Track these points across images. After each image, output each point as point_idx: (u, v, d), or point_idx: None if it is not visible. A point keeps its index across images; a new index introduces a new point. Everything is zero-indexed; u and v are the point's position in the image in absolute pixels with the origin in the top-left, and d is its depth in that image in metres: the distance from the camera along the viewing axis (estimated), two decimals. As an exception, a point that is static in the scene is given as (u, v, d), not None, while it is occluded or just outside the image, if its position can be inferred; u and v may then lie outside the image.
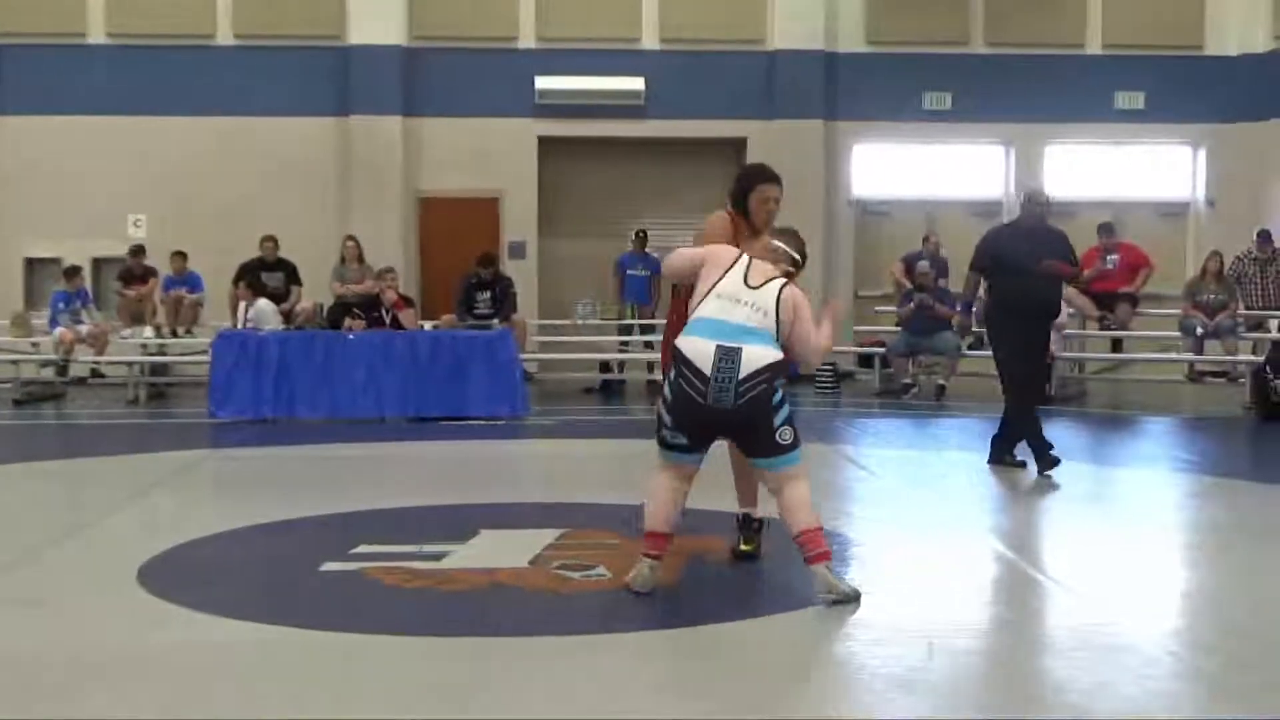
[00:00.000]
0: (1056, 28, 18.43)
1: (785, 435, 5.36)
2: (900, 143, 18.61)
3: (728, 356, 5.20)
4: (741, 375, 5.18)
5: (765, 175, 6.11)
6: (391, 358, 12.71)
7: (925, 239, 16.45)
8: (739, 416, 5.26)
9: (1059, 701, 4.19)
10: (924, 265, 15.35)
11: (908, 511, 7.85)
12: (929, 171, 18.71)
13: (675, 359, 5.33)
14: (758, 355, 5.23)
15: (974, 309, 10.54)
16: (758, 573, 6.06)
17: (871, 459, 10.11)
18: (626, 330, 16.72)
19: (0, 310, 16.75)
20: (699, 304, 5.42)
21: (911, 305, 15.09)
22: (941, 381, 14.79)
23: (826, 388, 15.83)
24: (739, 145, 18.28)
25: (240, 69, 17.56)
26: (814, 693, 4.31)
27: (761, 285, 5.40)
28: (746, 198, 6.00)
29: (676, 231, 18.25)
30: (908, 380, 15.21)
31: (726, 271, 5.44)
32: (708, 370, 5.20)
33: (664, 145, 18.21)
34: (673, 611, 5.37)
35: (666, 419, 5.42)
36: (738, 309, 5.33)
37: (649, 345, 16.65)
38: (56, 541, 6.52)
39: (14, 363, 15.07)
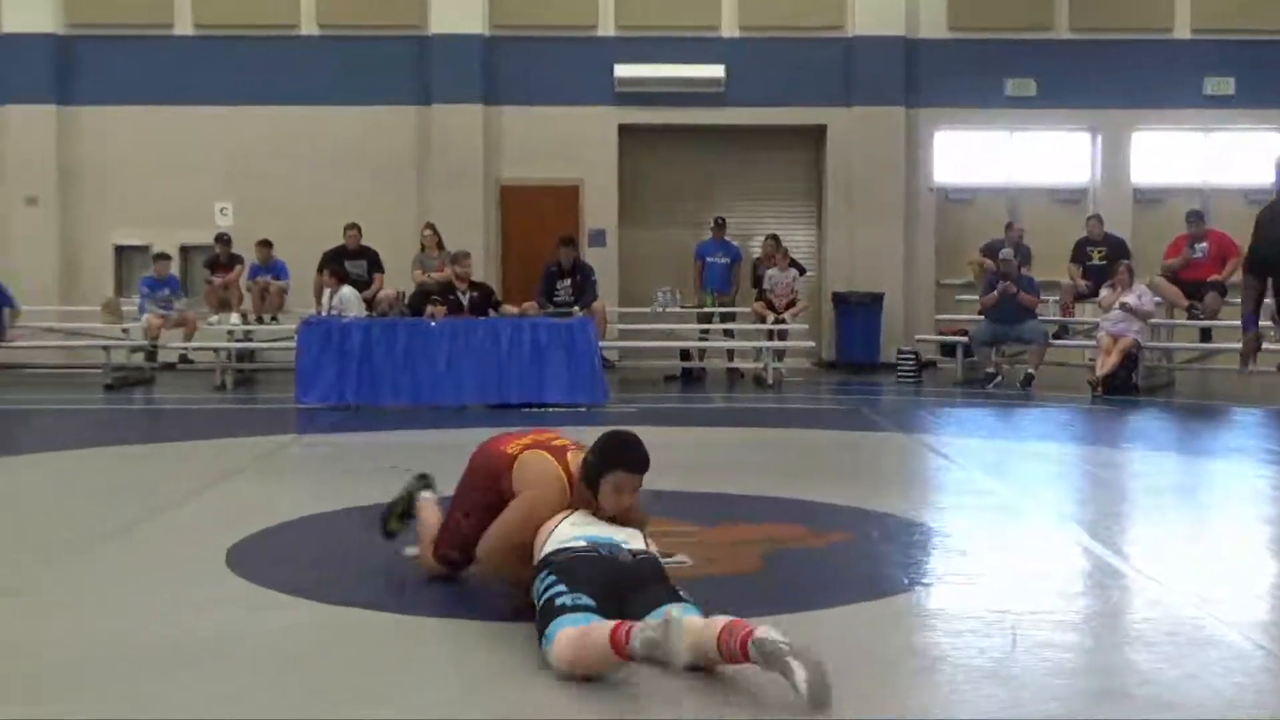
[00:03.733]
0: (1143, 12, 18.17)
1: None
2: (983, 129, 18.45)
3: (605, 543, 4.70)
4: (629, 546, 4.71)
5: (628, 462, 5.12)
6: (472, 345, 12.81)
7: (1008, 226, 16.28)
8: (642, 569, 4.60)
9: (1144, 694, 4.13)
10: (1007, 253, 15.18)
11: (990, 501, 7.77)
12: (1012, 158, 18.53)
13: (550, 560, 4.59)
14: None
15: (1256, 319, 10.49)
16: (837, 561, 6.03)
17: (953, 448, 10.03)
18: (706, 318, 16.71)
19: (91, 297, 17.10)
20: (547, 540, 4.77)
21: (995, 293, 14.93)
22: (1030, 370, 14.61)
23: (908, 377, 15.73)
24: (819, 132, 18.21)
25: (323, 59, 17.76)
26: (894, 684, 4.28)
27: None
28: (599, 479, 5.02)
29: (755, 219, 18.25)
30: (990, 369, 15.06)
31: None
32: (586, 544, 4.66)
33: (743, 133, 18.18)
34: (751, 599, 5.35)
35: (559, 587, 4.38)
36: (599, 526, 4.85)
37: (729, 333, 16.63)
38: (144, 523, 6.64)
39: (105, 348, 15.35)
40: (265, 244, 16.18)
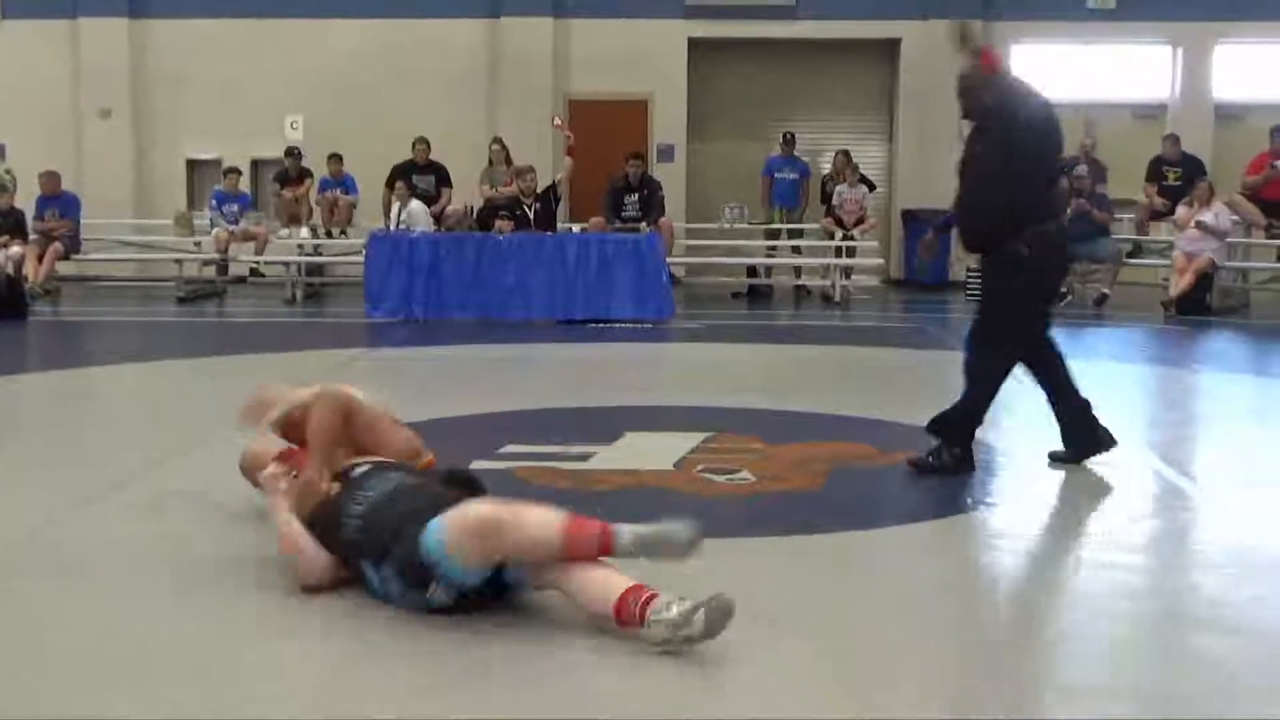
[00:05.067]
0: (1229, -80, 17.63)
1: None
2: (1061, 42, 18.03)
3: None
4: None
5: None
6: (540, 260, 12.81)
7: (1082, 143, 15.98)
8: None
9: (1214, 616, 4.10)
10: (1081, 169, 14.91)
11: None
12: (1089, 73, 18.12)
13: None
14: None
15: None
16: (901, 480, 6.01)
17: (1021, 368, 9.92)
18: (774, 235, 16.59)
19: (164, 210, 17.25)
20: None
21: (1068, 211, 14.68)
22: (1105, 290, 14.39)
23: (977, 296, 15.55)
24: (892, 46, 17.92)
25: (391, -30, 17.65)
26: (952, 603, 4.27)
27: None
28: None
29: (825, 134, 18.04)
30: (1062, 289, 14.83)
31: None
32: None
33: (814, 47, 17.92)
34: (811, 515, 5.35)
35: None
36: None
37: (796, 250, 16.51)
38: (213, 436, 6.74)
39: (177, 261, 15.52)
40: (335, 158, 16.22)
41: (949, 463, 5.95)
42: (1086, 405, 6.13)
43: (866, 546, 4.97)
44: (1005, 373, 6.09)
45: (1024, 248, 5.84)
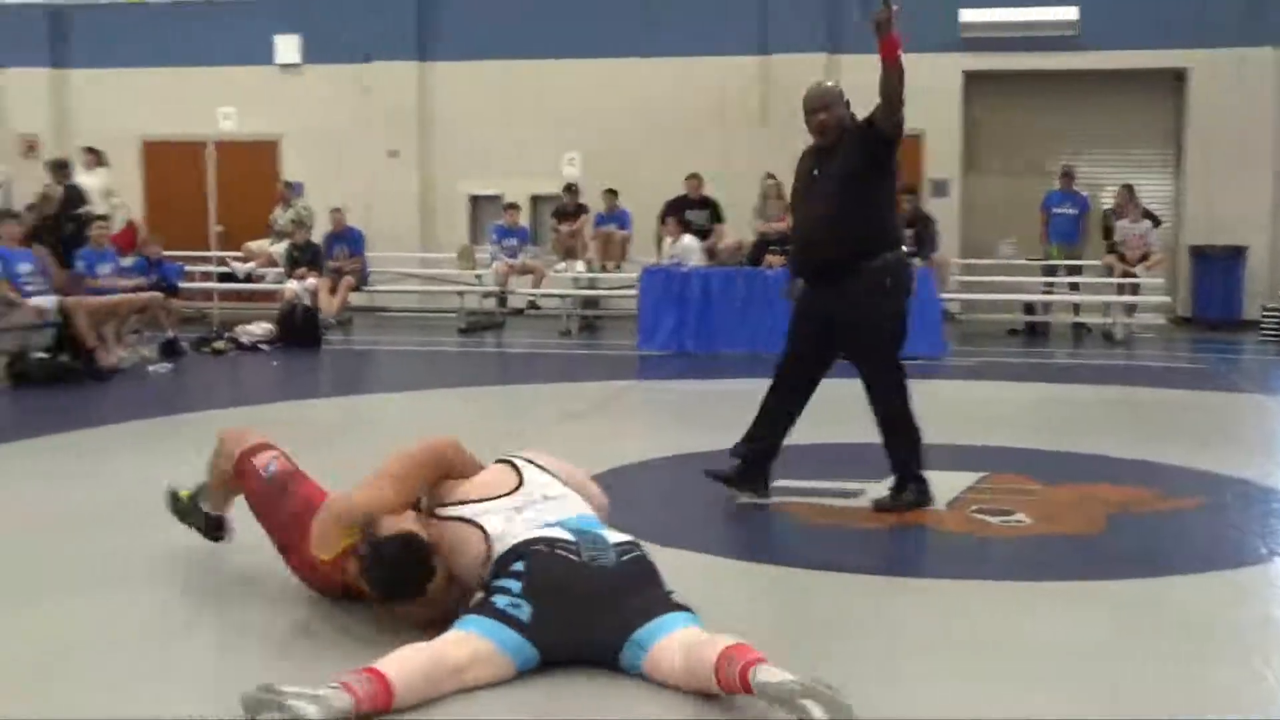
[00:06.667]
0: None
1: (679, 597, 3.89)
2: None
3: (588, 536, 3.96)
4: (613, 540, 3.98)
5: None
6: (810, 295, 12.76)
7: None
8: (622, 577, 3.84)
9: None
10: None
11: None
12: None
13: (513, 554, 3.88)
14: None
15: None
16: (1186, 527, 5.76)
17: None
18: (1051, 271, 16.16)
19: (447, 244, 17.93)
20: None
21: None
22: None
23: (1273, 335, 14.79)
24: (1178, 76, 17.26)
25: (664, 9, 17.93)
26: (1256, 653, 4.06)
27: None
28: None
29: (1106, 168, 17.50)
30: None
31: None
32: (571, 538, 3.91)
33: (1097, 78, 17.39)
34: (1093, 562, 5.18)
35: (512, 586, 3.75)
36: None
37: (1075, 287, 16.04)
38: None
39: (459, 294, 16.08)
40: (611, 193, 16.55)
41: (912, 499, 5.89)
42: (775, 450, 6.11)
43: (1157, 595, 4.76)
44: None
45: (888, 279, 5.80)
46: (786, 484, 6.42)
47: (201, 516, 4.88)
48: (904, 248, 6.06)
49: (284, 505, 4.41)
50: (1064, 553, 5.31)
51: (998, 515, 5.82)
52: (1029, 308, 16.18)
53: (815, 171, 5.95)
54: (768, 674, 3.33)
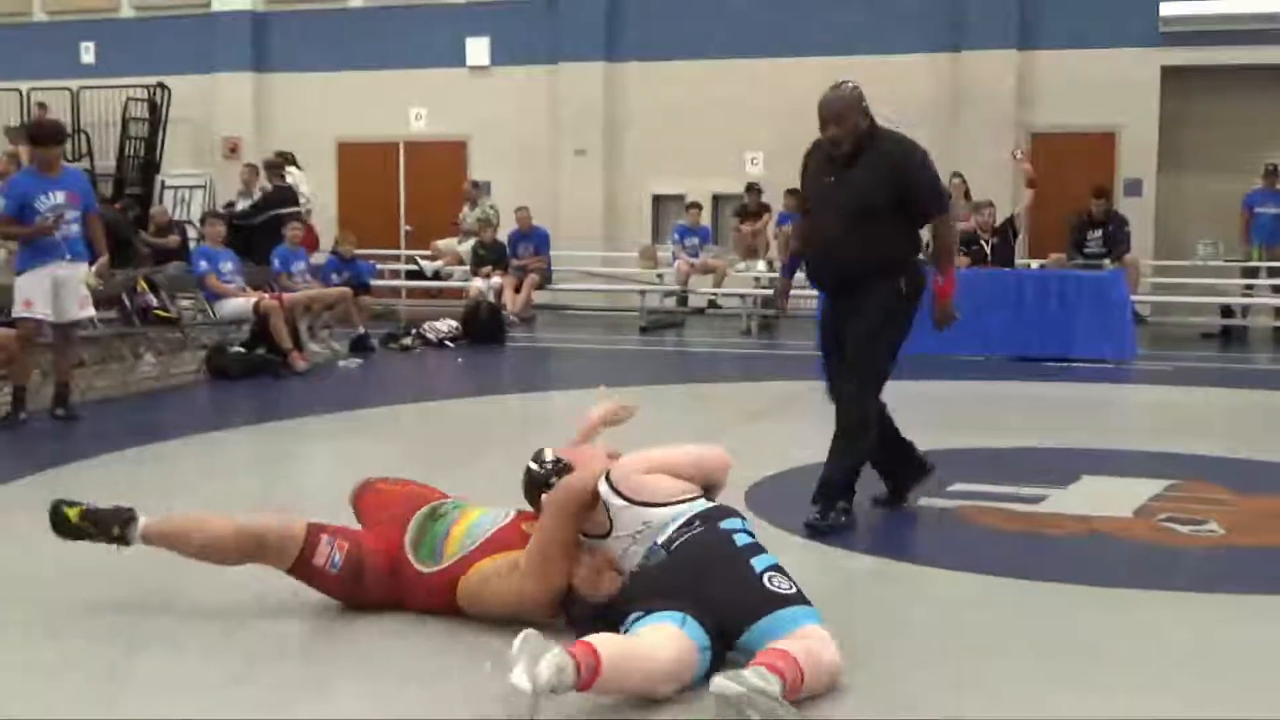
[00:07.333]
0: None
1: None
2: None
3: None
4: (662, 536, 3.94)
5: None
6: (996, 296, 12.54)
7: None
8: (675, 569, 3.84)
9: None
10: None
11: None
12: None
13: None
14: None
15: None
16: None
17: None
18: (1252, 273, 15.58)
19: (629, 244, 18.07)
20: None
21: None
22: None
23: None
24: (1393, 69, 16.49)
25: (851, 9, 17.80)
26: None
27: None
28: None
29: (1314, 166, 16.77)
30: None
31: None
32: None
33: (1303, 71, 16.71)
34: (1290, 576, 4.99)
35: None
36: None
37: (1277, 290, 15.44)
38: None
39: (641, 292, 16.19)
40: (793, 193, 16.46)
41: (840, 520, 5.52)
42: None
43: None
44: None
45: (904, 281, 5.49)
46: (966, 487, 6.33)
47: (108, 524, 4.36)
48: (920, 256, 5.73)
49: (370, 581, 4.24)
50: (1259, 565, 5.12)
51: (1188, 524, 5.64)
52: (1226, 310, 15.62)
53: (831, 179, 5.62)
54: (740, 673, 3.29)
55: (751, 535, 3.93)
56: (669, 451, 4.18)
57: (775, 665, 3.34)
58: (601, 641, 3.37)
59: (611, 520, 4.00)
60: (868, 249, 5.46)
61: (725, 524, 3.89)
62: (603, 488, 4.01)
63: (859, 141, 5.56)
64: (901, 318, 5.64)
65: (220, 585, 4.41)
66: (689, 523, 3.87)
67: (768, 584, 3.69)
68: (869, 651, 3.85)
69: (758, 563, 3.75)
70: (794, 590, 3.71)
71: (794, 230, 6.58)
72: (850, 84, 5.75)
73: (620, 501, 3.98)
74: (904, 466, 5.95)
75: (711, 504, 4.03)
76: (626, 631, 3.59)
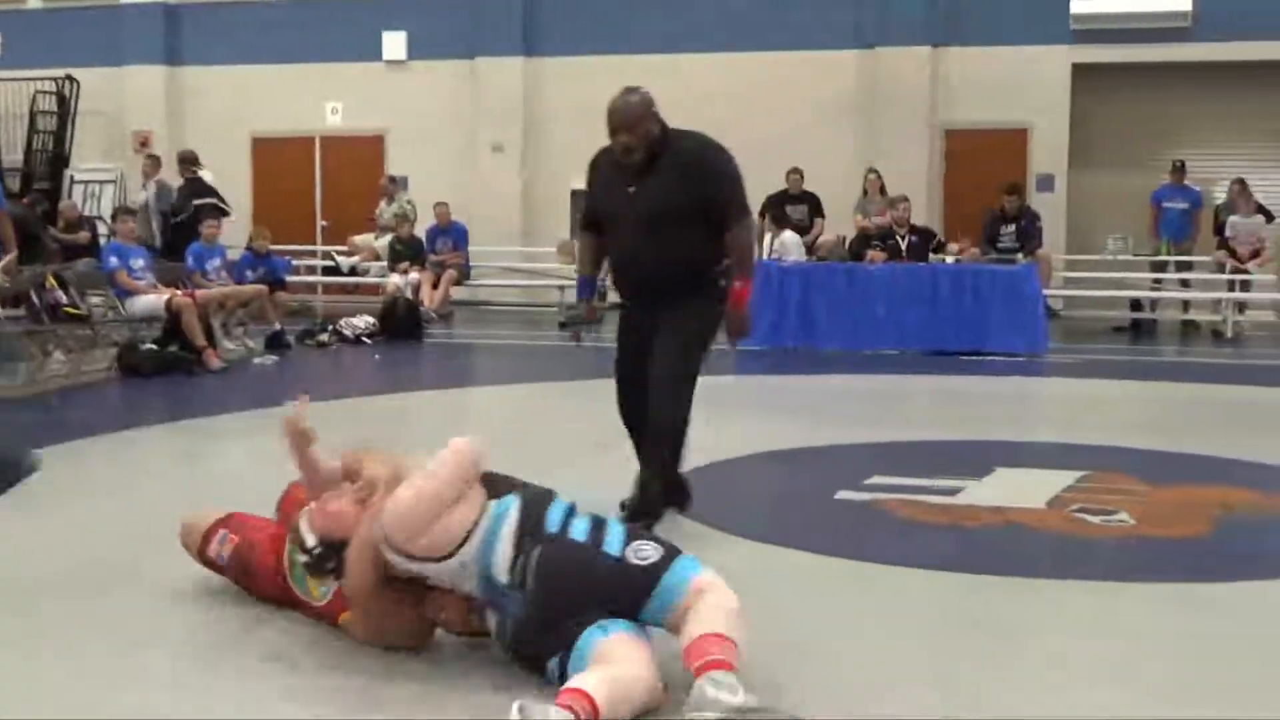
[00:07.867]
0: None
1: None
2: None
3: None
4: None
5: None
6: (912, 291, 12.68)
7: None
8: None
9: None
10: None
11: None
12: None
13: None
14: None
15: None
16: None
17: None
18: (1160, 267, 15.86)
19: (548, 239, 18.03)
20: None
21: None
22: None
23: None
24: (1295, 68, 16.86)
25: (763, 4, 17.86)
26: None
27: None
28: None
29: (1219, 162, 17.13)
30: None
31: None
32: None
33: (1211, 69, 17.01)
34: (1199, 564, 5.08)
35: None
36: None
37: (1184, 284, 15.73)
38: (587, 455, 6.99)
39: (560, 288, 16.16)
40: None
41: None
42: None
43: (1266, 597, 4.65)
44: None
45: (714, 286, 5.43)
46: (883, 480, 6.38)
47: None
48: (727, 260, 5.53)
49: (258, 576, 4.29)
50: (1169, 554, 5.21)
51: (1100, 515, 5.72)
52: (1136, 304, 15.91)
53: (632, 189, 5.53)
54: (704, 695, 3.23)
55: (573, 511, 3.78)
56: (426, 482, 3.71)
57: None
58: (583, 680, 3.28)
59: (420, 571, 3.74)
60: (677, 256, 5.38)
61: (550, 525, 3.71)
62: (392, 557, 3.71)
63: (652, 148, 5.50)
64: (714, 322, 5.56)
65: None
66: (517, 546, 3.63)
67: (635, 560, 3.58)
68: (800, 650, 3.87)
69: (610, 547, 3.62)
70: (661, 552, 3.61)
71: (578, 249, 6.36)
72: (641, 90, 5.71)
73: (416, 565, 3.71)
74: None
75: (516, 507, 3.74)
76: (572, 670, 3.43)
